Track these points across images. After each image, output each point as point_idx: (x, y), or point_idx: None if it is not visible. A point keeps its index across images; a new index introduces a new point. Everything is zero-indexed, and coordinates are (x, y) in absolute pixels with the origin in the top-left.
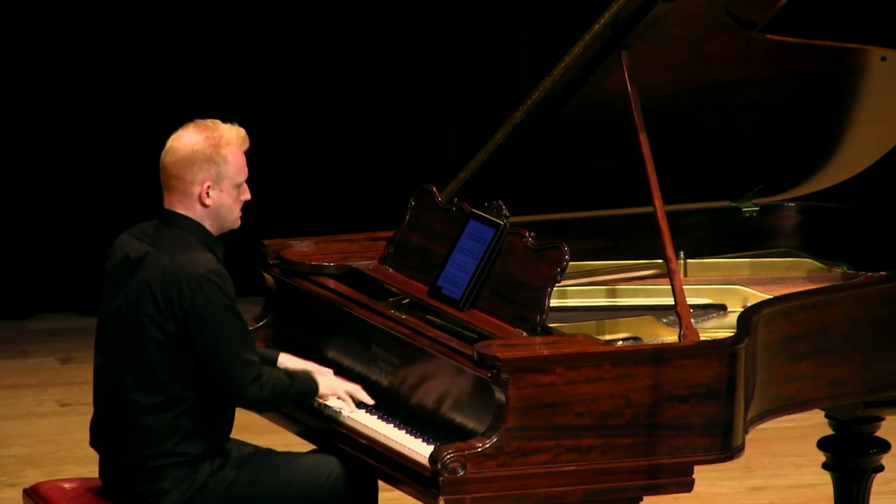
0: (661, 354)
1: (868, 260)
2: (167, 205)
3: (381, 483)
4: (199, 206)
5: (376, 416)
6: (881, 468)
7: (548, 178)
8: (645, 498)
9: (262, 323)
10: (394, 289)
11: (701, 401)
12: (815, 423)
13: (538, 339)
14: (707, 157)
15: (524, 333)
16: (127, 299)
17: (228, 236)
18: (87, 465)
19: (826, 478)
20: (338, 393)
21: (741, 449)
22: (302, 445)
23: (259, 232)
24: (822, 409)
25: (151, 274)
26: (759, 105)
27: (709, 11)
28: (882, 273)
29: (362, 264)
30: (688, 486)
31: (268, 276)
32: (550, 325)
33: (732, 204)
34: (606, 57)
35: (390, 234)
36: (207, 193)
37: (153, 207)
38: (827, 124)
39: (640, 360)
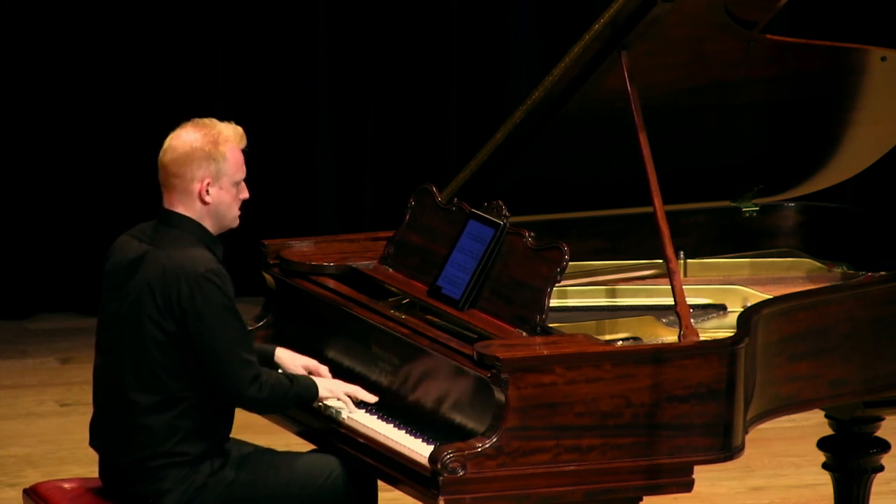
0: (661, 354)
1: (868, 260)
2: (167, 204)
3: (380, 483)
4: (198, 204)
5: (376, 416)
6: (881, 468)
7: (548, 178)
8: (645, 498)
9: (262, 323)
10: (394, 289)
11: (701, 401)
12: (815, 423)
13: (538, 339)
14: (707, 157)
15: (524, 333)
16: (127, 299)
17: (228, 236)
18: (87, 465)
19: (826, 478)
20: (338, 395)
21: (741, 449)
22: (302, 445)
23: (259, 232)
24: (822, 409)
25: (151, 273)
26: (759, 105)
27: (709, 11)
28: (882, 273)
29: (362, 264)
30: (688, 486)
31: (268, 276)
32: (550, 325)
33: (732, 204)
34: (606, 57)
35: (390, 234)
36: (207, 191)
37: (153, 207)
38: (827, 124)
39: (640, 360)
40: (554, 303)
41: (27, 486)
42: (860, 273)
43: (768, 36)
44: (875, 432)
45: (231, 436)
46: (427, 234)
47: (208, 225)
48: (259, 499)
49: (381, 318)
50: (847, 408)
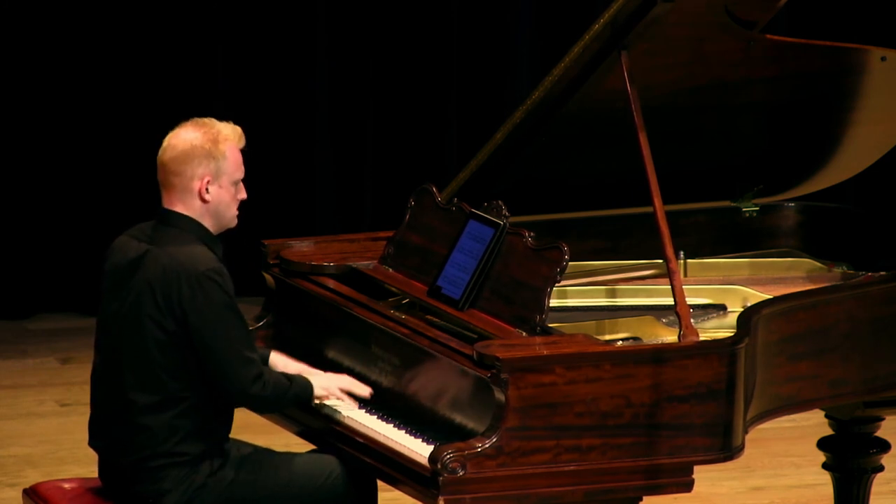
0: (661, 354)
1: (868, 260)
2: (166, 204)
3: (380, 483)
4: (198, 203)
5: (376, 416)
6: (881, 468)
7: (548, 178)
8: (645, 498)
9: (262, 323)
10: (394, 289)
11: (701, 401)
12: (815, 423)
13: (538, 339)
14: (707, 157)
15: (524, 333)
16: (127, 299)
17: (228, 236)
18: (87, 465)
19: (826, 478)
20: (333, 392)
21: (741, 449)
22: (302, 445)
23: (259, 232)
24: (822, 409)
25: (151, 272)
26: (759, 105)
27: (709, 11)
28: (882, 273)
29: (362, 264)
30: (688, 486)
31: (268, 276)
32: (550, 325)
33: (732, 204)
34: (606, 57)
35: (390, 234)
36: (207, 189)
37: (153, 207)
38: (827, 124)
39: (640, 360)
40: (554, 303)
41: (27, 486)
42: (860, 273)
43: (768, 36)
44: (875, 432)
45: (231, 436)
46: (427, 234)
47: (207, 224)
48: (259, 499)
49: (381, 318)
50: (847, 408)
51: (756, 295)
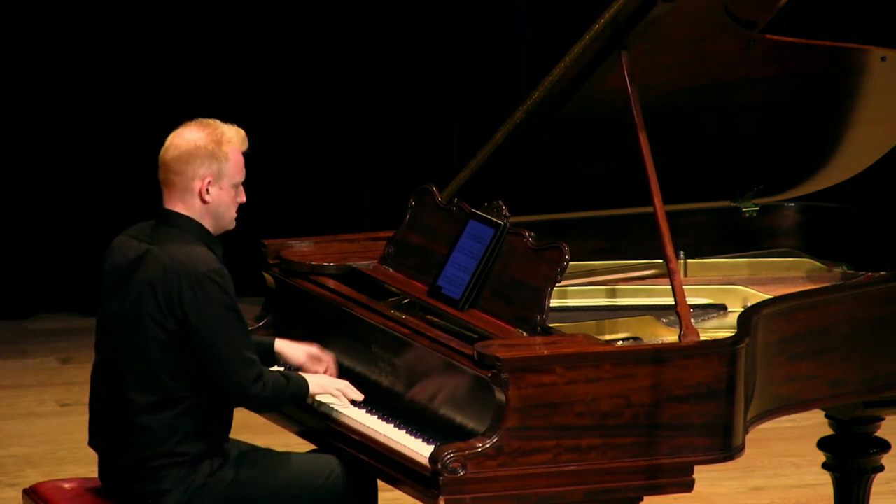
0: (661, 354)
1: (868, 260)
2: (166, 203)
3: (380, 483)
4: (198, 203)
5: (376, 416)
6: (881, 468)
7: (548, 178)
8: (645, 498)
9: (262, 323)
10: (394, 289)
11: (701, 401)
12: (815, 423)
13: (538, 339)
14: (707, 157)
15: (524, 333)
16: (127, 299)
17: (228, 236)
18: (87, 465)
19: (826, 478)
20: (329, 391)
21: (741, 449)
22: (302, 445)
23: (259, 232)
24: (822, 409)
25: (152, 272)
26: (759, 105)
27: (709, 11)
28: (882, 273)
29: (362, 264)
30: (688, 486)
31: (268, 276)
32: (550, 325)
33: (732, 204)
34: (606, 57)
35: (390, 234)
36: (207, 189)
37: (152, 207)
38: (827, 124)
39: (640, 360)
40: (554, 303)
41: (27, 486)
42: (860, 273)
43: (768, 36)
44: (875, 432)
45: (231, 436)
46: (427, 234)
47: (207, 225)
48: (259, 499)
49: (381, 318)
50: (847, 408)
51: (756, 295)
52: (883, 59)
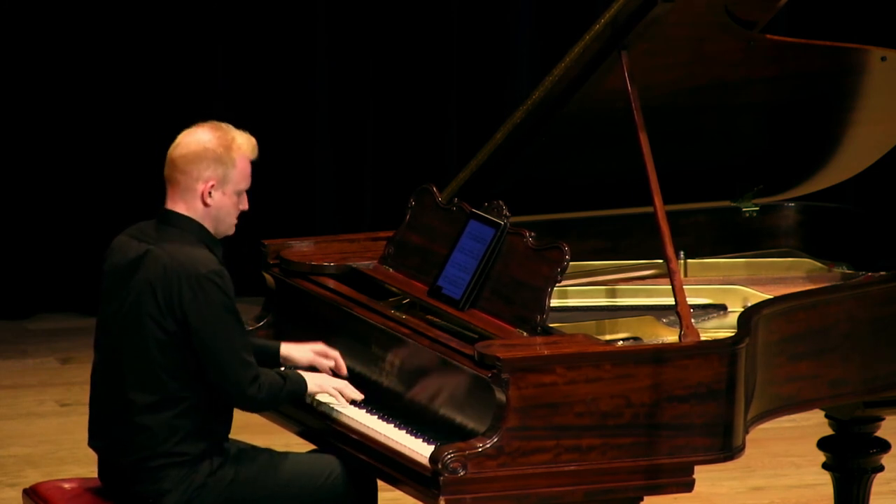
0: (661, 354)
1: (868, 260)
2: (169, 202)
3: (381, 483)
4: (199, 205)
5: (376, 416)
6: (881, 468)
7: (548, 178)
8: (645, 498)
9: (262, 323)
10: (394, 289)
11: (701, 401)
12: (815, 423)
13: (538, 339)
14: (707, 157)
15: (524, 333)
16: (127, 299)
17: (228, 236)
18: (87, 465)
19: (826, 478)
20: (327, 390)
21: (741, 449)
22: (302, 445)
23: (259, 232)
24: (822, 409)
25: (152, 272)
26: (759, 105)
27: (709, 11)
28: (882, 273)
29: (362, 264)
30: (688, 486)
31: (268, 276)
32: (550, 325)
33: (732, 204)
34: (606, 57)
35: (390, 234)
36: (210, 193)
37: (152, 207)
38: (827, 124)
39: (640, 360)
40: (554, 303)
41: (27, 486)
42: (860, 273)
43: (768, 36)
44: (875, 432)
45: (231, 436)
46: (427, 234)
47: (207, 226)
48: (259, 499)
49: (381, 318)
50: (847, 408)
51: (756, 295)
52: (883, 59)
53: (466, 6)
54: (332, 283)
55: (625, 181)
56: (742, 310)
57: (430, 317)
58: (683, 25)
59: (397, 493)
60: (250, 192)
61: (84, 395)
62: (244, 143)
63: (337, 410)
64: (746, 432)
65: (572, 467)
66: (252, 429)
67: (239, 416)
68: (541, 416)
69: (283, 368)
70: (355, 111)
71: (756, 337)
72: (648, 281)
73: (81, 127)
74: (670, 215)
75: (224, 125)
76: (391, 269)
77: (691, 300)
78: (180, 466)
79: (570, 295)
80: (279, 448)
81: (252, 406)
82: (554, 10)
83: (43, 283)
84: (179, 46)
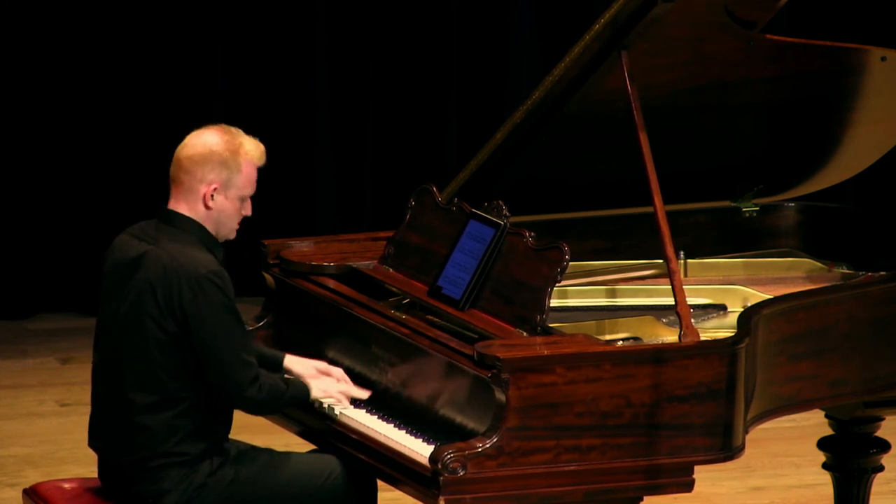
0: (661, 354)
1: (868, 260)
2: (172, 201)
3: (380, 483)
4: (201, 207)
5: (376, 416)
6: (881, 468)
7: (548, 178)
8: (645, 498)
9: (262, 323)
10: (394, 289)
11: (701, 401)
12: (815, 423)
13: (538, 339)
14: (707, 157)
15: (524, 333)
16: (127, 298)
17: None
18: (87, 465)
19: (826, 478)
20: (332, 395)
21: (741, 449)
22: (302, 445)
23: (259, 232)
24: (822, 409)
25: (152, 273)
26: (759, 105)
27: (709, 11)
28: (882, 273)
29: (362, 264)
30: (688, 486)
31: (268, 276)
32: (550, 325)
33: (732, 204)
34: (606, 57)
35: (390, 234)
36: (212, 196)
37: (152, 207)
38: (827, 124)
39: (640, 360)
40: (554, 303)
41: (27, 486)
42: (860, 273)
43: (768, 36)
44: (875, 432)
45: (231, 436)
46: (427, 234)
47: (208, 228)
48: (259, 499)
49: (381, 318)
50: (847, 408)
51: (756, 295)
52: (883, 59)
53: (466, 6)
54: (332, 283)
55: (625, 181)
56: (742, 310)
57: (430, 317)
58: (683, 25)
59: (397, 493)
60: (253, 195)
61: (84, 395)
62: (252, 149)
63: (336, 410)
64: (746, 432)
65: (572, 467)
66: (252, 429)
67: (239, 416)
68: (541, 416)
69: (286, 375)
70: (355, 111)
71: (756, 337)
72: (648, 281)
73: (81, 127)
74: (670, 215)
75: (234, 129)
76: (391, 269)
77: (691, 300)
78: (180, 466)
79: (570, 295)
80: (279, 448)
81: (252, 407)
82: (554, 10)
83: (43, 283)
84: (179, 46)
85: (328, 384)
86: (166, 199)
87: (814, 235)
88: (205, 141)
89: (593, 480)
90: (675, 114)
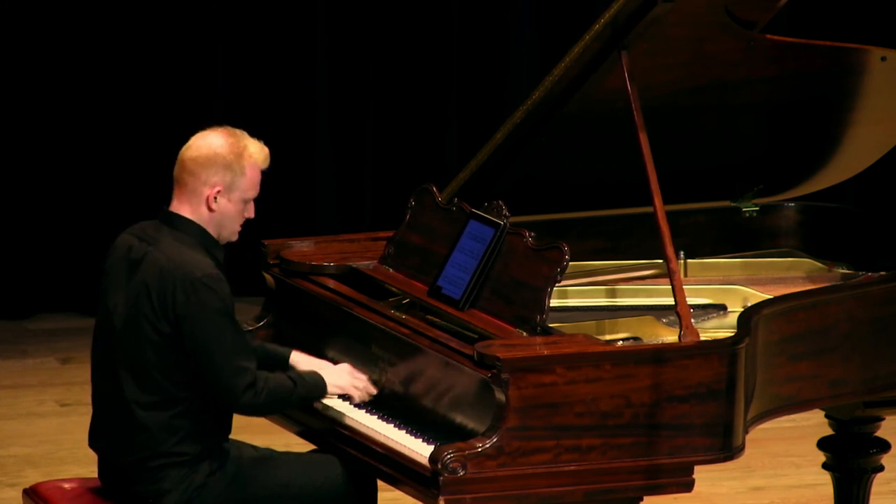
0: (661, 354)
1: (868, 260)
2: (174, 202)
3: (380, 483)
4: (204, 209)
5: (376, 416)
6: (881, 468)
7: (548, 178)
8: (645, 498)
9: (262, 323)
10: (394, 289)
11: (701, 401)
12: (815, 423)
13: (538, 339)
14: (707, 157)
15: (524, 333)
16: (126, 299)
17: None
18: (87, 465)
19: (826, 478)
20: (346, 390)
21: (741, 449)
22: (302, 445)
23: (259, 232)
24: (822, 409)
25: (149, 274)
26: (759, 105)
27: (709, 11)
28: (882, 273)
29: (362, 264)
30: (688, 486)
31: (268, 276)
32: (550, 325)
33: (732, 204)
34: (606, 57)
35: (390, 234)
36: (215, 198)
37: (153, 207)
38: (827, 124)
39: (640, 360)
40: (554, 303)
41: (27, 486)
42: (860, 273)
43: (768, 36)
44: (875, 432)
45: (231, 436)
46: (427, 234)
47: (210, 230)
48: (259, 499)
49: (381, 318)
50: (847, 408)
51: (756, 295)
52: (883, 59)
53: (466, 6)
54: (332, 283)
55: (625, 181)
56: (742, 310)
57: (429, 317)
58: (683, 25)
59: (397, 493)
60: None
61: (84, 395)
62: (256, 152)
63: (337, 410)
64: (746, 432)
65: (572, 467)
66: (252, 429)
67: (239, 415)
68: (541, 416)
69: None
70: (355, 111)
71: (756, 337)
72: (648, 281)
73: (81, 127)
74: (670, 215)
75: (238, 131)
76: (391, 269)
77: (691, 300)
78: (180, 466)
79: (570, 295)
80: (279, 448)
81: (249, 412)
82: (554, 10)
83: (43, 283)
84: (179, 46)
85: (343, 380)
86: (167, 198)
87: (814, 235)
88: (209, 143)
89: (593, 480)
90: (675, 114)
